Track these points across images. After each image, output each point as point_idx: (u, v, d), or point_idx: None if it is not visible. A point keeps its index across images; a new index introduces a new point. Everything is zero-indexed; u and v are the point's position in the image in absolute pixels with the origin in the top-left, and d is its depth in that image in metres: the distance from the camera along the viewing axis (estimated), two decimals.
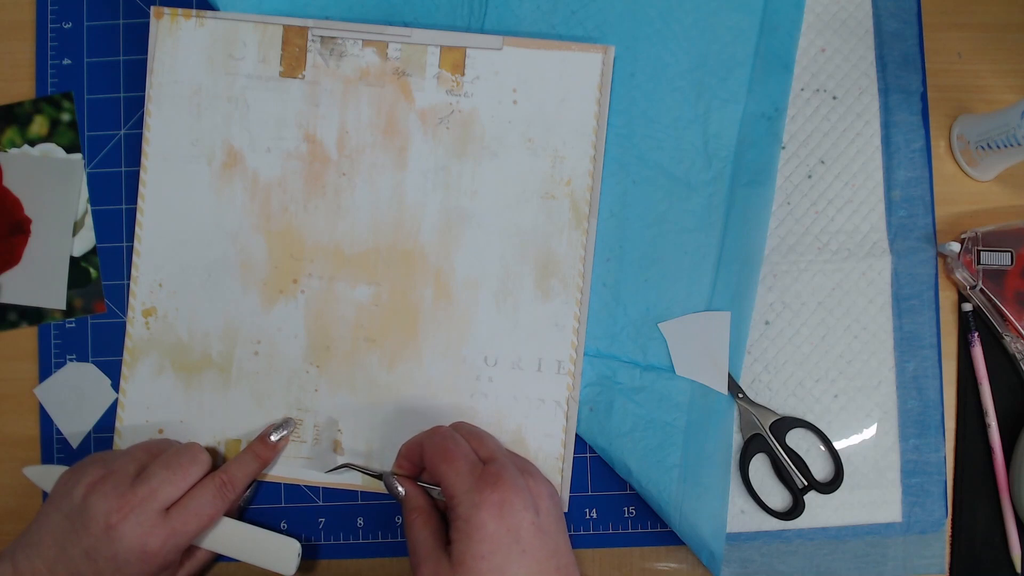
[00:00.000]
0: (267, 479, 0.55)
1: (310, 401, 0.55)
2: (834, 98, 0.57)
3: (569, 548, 0.48)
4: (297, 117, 0.55)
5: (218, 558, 0.55)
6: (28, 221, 0.57)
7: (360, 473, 0.54)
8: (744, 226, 0.55)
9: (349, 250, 0.55)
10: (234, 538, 0.52)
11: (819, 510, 0.54)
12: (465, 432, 0.50)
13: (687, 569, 0.56)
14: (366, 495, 0.56)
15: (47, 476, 0.53)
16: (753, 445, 0.54)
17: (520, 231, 0.55)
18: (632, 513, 0.55)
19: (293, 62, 0.55)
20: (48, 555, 0.46)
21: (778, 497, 0.55)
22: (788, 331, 0.55)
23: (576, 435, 0.54)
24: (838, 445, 0.54)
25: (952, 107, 0.58)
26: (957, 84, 0.58)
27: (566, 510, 0.54)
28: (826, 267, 0.56)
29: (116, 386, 0.56)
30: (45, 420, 0.56)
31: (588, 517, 0.55)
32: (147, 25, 0.55)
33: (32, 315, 0.57)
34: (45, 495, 0.56)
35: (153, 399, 0.55)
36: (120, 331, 0.56)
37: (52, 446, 0.56)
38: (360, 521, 0.56)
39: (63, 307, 0.57)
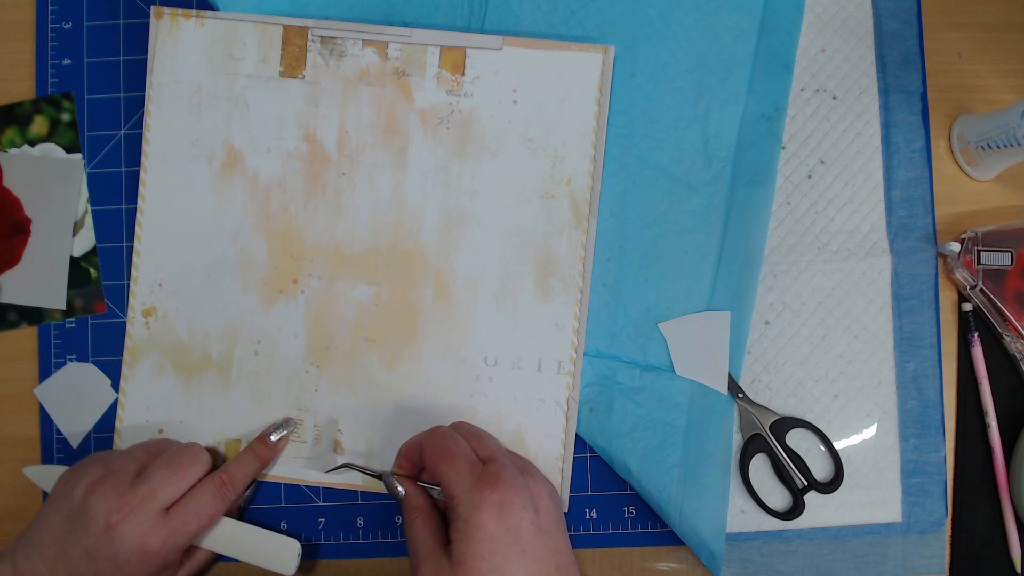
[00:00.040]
0: (267, 479, 0.55)
1: (310, 401, 0.55)
2: (834, 98, 0.57)
3: (569, 548, 0.48)
4: (297, 117, 0.55)
5: (218, 558, 0.55)
6: (28, 221, 0.57)
7: (360, 473, 0.54)
8: (744, 226, 0.55)
9: (349, 250, 0.55)
10: (234, 538, 0.52)
11: (819, 510, 0.54)
12: (465, 432, 0.50)
13: (687, 569, 0.56)
14: (366, 495, 0.56)
15: (47, 476, 0.53)
16: (753, 445, 0.54)
17: (520, 231, 0.55)
18: (632, 513, 0.55)
19: (293, 62, 0.55)
20: (48, 555, 0.46)
21: (778, 497, 0.55)
22: (788, 331, 0.55)
23: (576, 435, 0.54)
24: (838, 445, 0.54)
25: (952, 107, 0.58)
26: (957, 84, 0.58)
27: (566, 510, 0.54)
28: (826, 267, 0.56)
29: (116, 386, 0.56)
30: (45, 420, 0.56)
31: (588, 517, 0.55)
32: (147, 25, 0.55)
33: (32, 315, 0.57)
34: (45, 495, 0.56)
35: (153, 399, 0.55)
36: (120, 331, 0.56)
37: (52, 446, 0.56)
38: (360, 521, 0.56)
39: (63, 307, 0.57)
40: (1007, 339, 0.55)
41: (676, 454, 0.53)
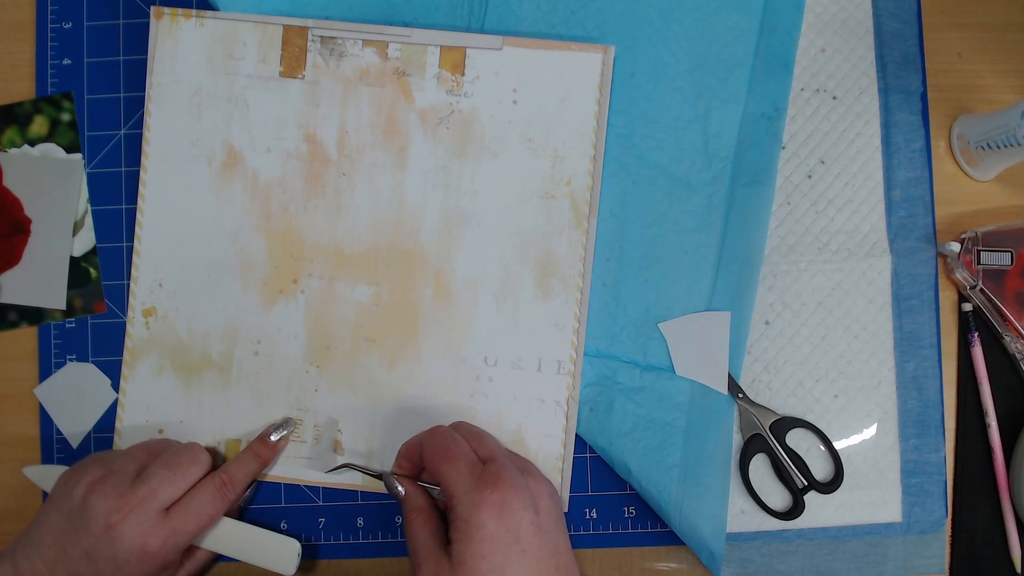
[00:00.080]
0: (267, 479, 0.55)
1: (310, 401, 0.55)
2: (834, 98, 0.57)
3: (569, 548, 0.48)
4: (297, 117, 0.55)
5: (218, 558, 0.55)
6: (28, 221, 0.57)
7: (360, 473, 0.54)
8: (744, 226, 0.55)
9: (349, 250, 0.55)
10: (234, 538, 0.52)
11: (819, 510, 0.54)
12: (465, 432, 0.50)
13: (687, 569, 0.56)
14: (366, 495, 0.56)
15: (47, 476, 0.53)
16: (753, 445, 0.54)
17: (520, 231, 0.55)
18: (632, 513, 0.55)
19: (293, 62, 0.55)
20: (48, 555, 0.46)
21: (778, 497, 0.55)
22: (788, 331, 0.55)
23: (576, 435, 0.54)
24: (838, 445, 0.54)
25: (952, 107, 0.58)
26: (957, 84, 0.58)
27: (566, 510, 0.54)
28: (826, 267, 0.56)
29: (116, 386, 0.56)
30: (45, 420, 0.56)
31: (588, 517, 0.55)
32: (147, 25, 0.55)
33: (32, 315, 0.57)
34: (45, 495, 0.56)
35: (153, 399, 0.55)
36: (120, 331, 0.56)
37: (52, 446, 0.56)
38: (360, 521, 0.56)
39: (63, 307, 0.57)
40: (1007, 339, 0.55)
41: (676, 454, 0.53)
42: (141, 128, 0.55)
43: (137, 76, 0.57)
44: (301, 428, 0.55)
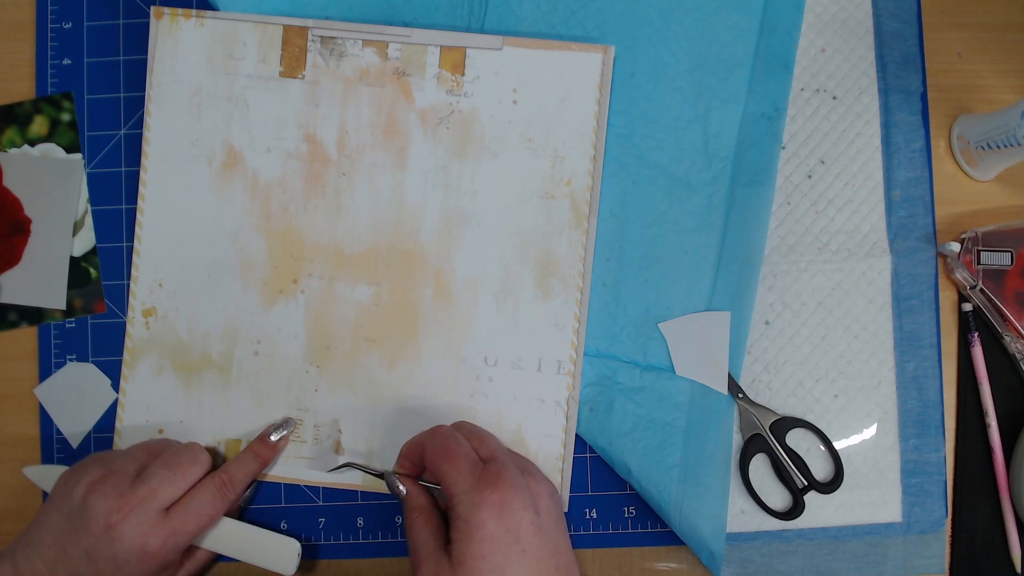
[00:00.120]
0: (267, 479, 0.55)
1: (310, 401, 0.55)
2: (834, 98, 0.57)
3: (569, 548, 0.48)
4: (297, 117, 0.55)
5: (218, 558, 0.55)
6: (28, 221, 0.57)
7: (360, 473, 0.54)
8: (744, 226, 0.55)
9: (349, 250, 0.55)
10: (234, 538, 0.52)
11: (819, 510, 0.54)
12: (466, 432, 0.50)
13: (687, 569, 0.56)
14: (366, 495, 0.56)
15: (47, 476, 0.53)
16: (753, 445, 0.54)
17: (520, 231, 0.55)
18: (632, 513, 0.55)
19: (293, 62, 0.55)
20: (48, 555, 0.46)
21: (778, 497, 0.55)
22: (788, 331, 0.55)
23: (576, 435, 0.54)
24: (838, 445, 0.54)
25: (952, 107, 0.58)
26: (957, 84, 0.58)
27: (566, 510, 0.54)
28: (826, 267, 0.56)
29: (116, 386, 0.56)
30: (45, 420, 0.56)
31: (588, 517, 0.55)
32: (147, 25, 0.55)
33: (32, 315, 0.57)
34: (45, 495, 0.56)
35: (153, 399, 0.55)
36: (120, 331, 0.56)
37: (52, 446, 0.56)
38: (360, 521, 0.56)
39: (63, 307, 0.57)
40: (1007, 339, 0.55)
41: (676, 454, 0.53)
42: (141, 128, 0.55)
43: (137, 76, 0.57)
44: (301, 428, 0.55)
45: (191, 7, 0.56)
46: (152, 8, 0.55)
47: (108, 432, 0.56)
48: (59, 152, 0.57)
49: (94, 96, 0.58)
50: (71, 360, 0.56)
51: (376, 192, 0.55)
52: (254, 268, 0.55)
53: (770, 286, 0.56)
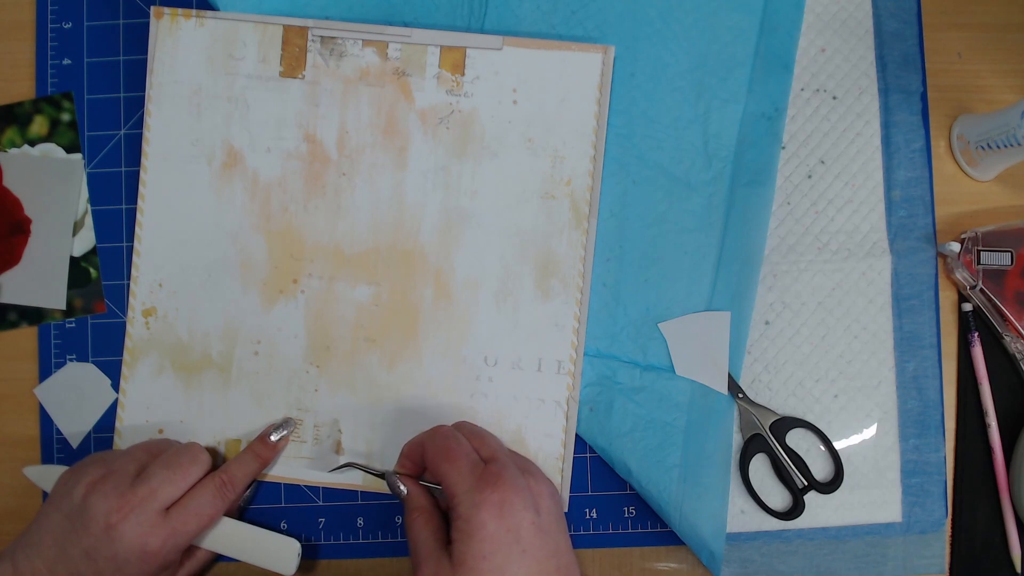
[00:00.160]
0: (267, 479, 0.55)
1: (310, 401, 0.55)
2: (834, 98, 0.57)
3: (570, 548, 0.48)
4: (297, 117, 0.55)
5: (218, 558, 0.55)
6: (28, 221, 0.57)
7: (361, 473, 0.54)
8: (744, 226, 0.55)
9: (349, 250, 0.55)
10: (234, 538, 0.52)
11: (819, 510, 0.54)
12: (467, 432, 0.50)
13: (687, 569, 0.56)
14: (366, 495, 0.56)
15: (47, 476, 0.53)
16: (753, 445, 0.54)
17: (520, 231, 0.55)
18: (632, 513, 0.55)
19: (293, 62, 0.55)
20: (48, 555, 0.46)
21: (778, 497, 0.55)
22: (788, 331, 0.55)
23: (576, 435, 0.54)
24: (838, 445, 0.54)
25: (952, 107, 0.58)
26: (957, 84, 0.58)
27: (566, 510, 0.54)
28: (826, 267, 0.56)
29: (116, 386, 0.56)
30: (45, 420, 0.56)
31: (588, 517, 0.55)
32: (147, 25, 0.55)
33: (32, 315, 0.57)
34: (45, 495, 0.56)
35: (153, 399, 0.55)
36: (120, 331, 0.56)
37: (52, 446, 0.56)
38: (360, 521, 0.56)
39: (63, 307, 0.57)
40: (1007, 339, 0.55)
41: (676, 454, 0.53)
42: (141, 128, 0.55)
43: (137, 76, 0.57)
44: (301, 428, 0.55)
45: (191, 7, 0.56)
46: (152, 8, 0.55)
47: (108, 432, 0.56)
48: (59, 152, 0.57)
49: (94, 96, 0.58)
50: (71, 360, 0.56)
51: (376, 192, 0.55)
52: (254, 268, 0.55)
53: (770, 286, 0.56)
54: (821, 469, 0.55)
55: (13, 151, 0.57)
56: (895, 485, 0.55)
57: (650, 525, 0.55)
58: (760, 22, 0.56)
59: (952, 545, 0.55)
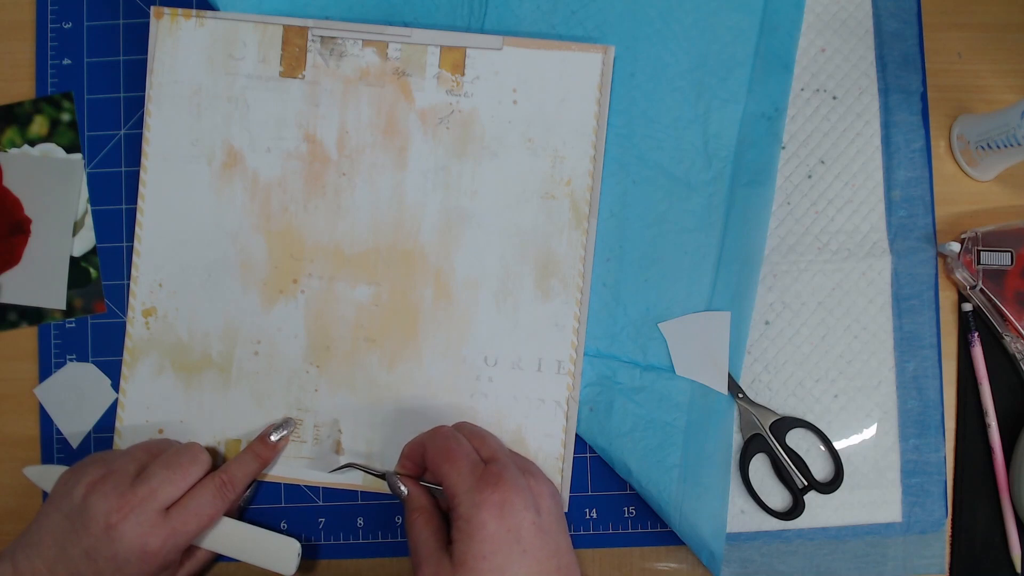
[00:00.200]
0: (267, 479, 0.55)
1: (310, 401, 0.55)
2: (834, 98, 0.57)
3: (570, 548, 0.48)
4: (297, 117, 0.55)
5: (218, 558, 0.55)
6: (28, 221, 0.57)
7: (361, 473, 0.54)
8: (744, 226, 0.55)
9: (349, 250, 0.55)
10: (234, 538, 0.52)
11: (819, 510, 0.54)
12: (467, 432, 0.50)
13: (687, 569, 0.56)
14: (366, 495, 0.56)
15: (47, 476, 0.53)
16: (753, 445, 0.54)
17: (520, 231, 0.55)
18: (632, 513, 0.55)
19: (293, 62, 0.55)
20: (48, 555, 0.46)
21: (778, 497, 0.55)
22: (788, 331, 0.55)
23: (576, 435, 0.54)
24: (838, 445, 0.54)
25: (952, 107, 0.58)
26: (957, 84, 0.58)
27: (566, 510, 0.54)
28: (826, 267, 0.56)
29: (116, 386, 0.56)
30: (45, 420, 0.56)
31: (588, 517, 0.55)
32: (147, 25, 0.55)
33: (32, 315, 0.57)
34: (45, 495, 0.56)
35: (153, 399, 0.55)
36: (120, 331, 0.56)
37: (52, 446, 0.56)
38: (360, 521, 0.56)
39: (63, 307, 0.57)
40: (1007, 339, 0.55)
41: (676, 454, 0.53)
42: (141, 128, 0.55)
43: (137, 76, 0.57)
44: (301, 428, 0.55)
45: (191, 7, 0.56)
46: (152, 8, 0.55)
47: (108, 432, 0.56)
48: (59, 152, 0.57)
49: (94, 96, 0.58)
50: (71, 360, 0.56)
51: (376, 192, 0.55)
52: (254, 268, 0.55)
53: (770, 286, 0.56)
54: (821, 469, 0.55)
55: (13, 151, 0.57)
56: (895, 485, 0.55)
57: (650, 525, 0.55)
58: (760, 22, 0.56)
59: (952, 545, 0.55)
